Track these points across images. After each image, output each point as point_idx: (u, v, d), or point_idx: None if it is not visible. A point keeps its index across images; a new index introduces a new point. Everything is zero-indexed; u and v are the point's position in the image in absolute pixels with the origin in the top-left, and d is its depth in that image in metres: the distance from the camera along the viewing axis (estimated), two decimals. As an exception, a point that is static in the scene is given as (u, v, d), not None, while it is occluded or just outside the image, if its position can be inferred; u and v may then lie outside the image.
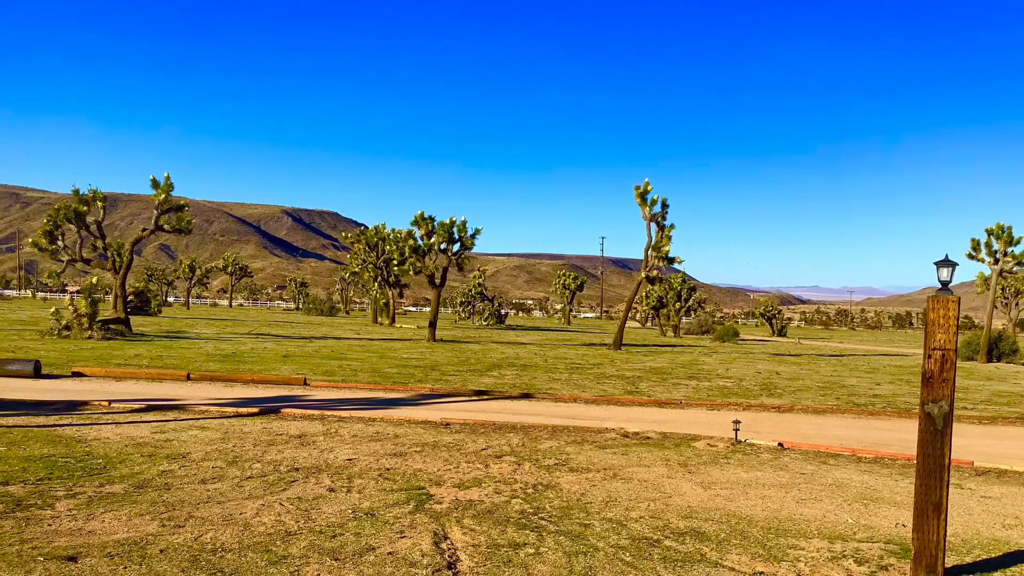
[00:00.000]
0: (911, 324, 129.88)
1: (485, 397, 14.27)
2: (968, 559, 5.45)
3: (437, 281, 32.87)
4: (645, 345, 37.18)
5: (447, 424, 10.78)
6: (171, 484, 6.75)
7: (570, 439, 9.89)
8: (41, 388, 13.12)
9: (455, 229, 32.68)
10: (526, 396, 14.59)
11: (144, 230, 33.37)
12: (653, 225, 31.66)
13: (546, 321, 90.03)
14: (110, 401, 11.55)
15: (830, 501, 7.02)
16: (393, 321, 52.01)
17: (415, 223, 33.01)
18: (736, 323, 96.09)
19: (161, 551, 4.96)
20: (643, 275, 32.78)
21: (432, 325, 32.58)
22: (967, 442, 10.66)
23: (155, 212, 32.76)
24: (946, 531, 4.90)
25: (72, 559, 4.74)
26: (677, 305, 56.69)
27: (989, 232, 33.03)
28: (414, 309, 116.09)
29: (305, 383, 15.14)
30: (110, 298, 37.27)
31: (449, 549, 5.21)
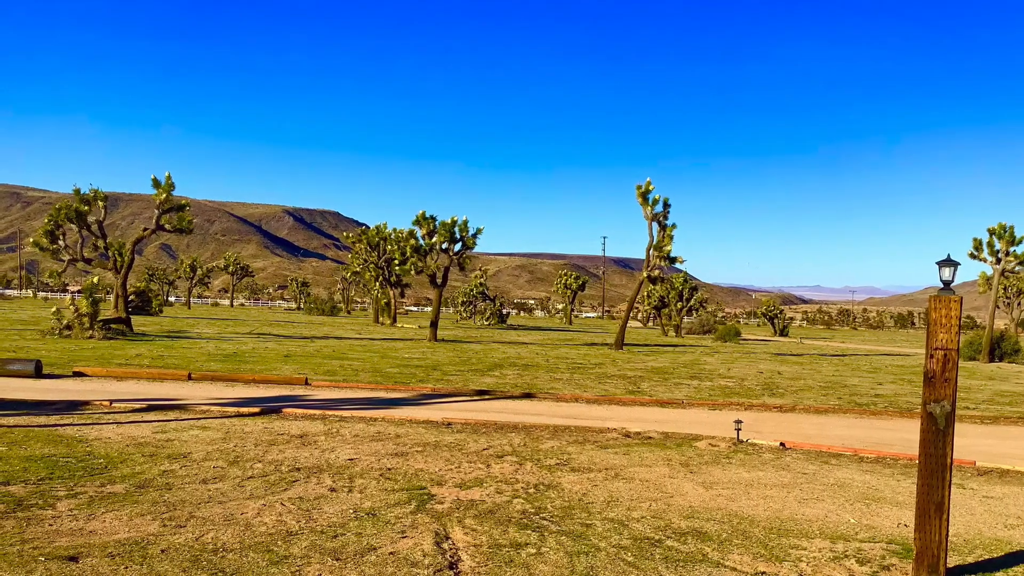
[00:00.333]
0: (913, 324, 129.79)
1: (487, 397, 14.27)
2: (970, 559, 5.43)
3: (439, 281, 32.87)
4: (647, 345, 37.17)
5: (449, 424, 10.77)
6: (172, 484, 6.75)
7: (572, 439, 9.88)
8: (42, 388, 13.13)
9: (457, 229, 32.66)
10: (528, 396, 14.58)
11: (145, 230, 33.39)
12: (655, 225, 31.64)
13: (548, 321, 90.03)
14: (111, 401, 11.55)
15: (832, 501, 7.01)
16: (394, 321, 52.00)
17: (416, 223, 33.00)
18: (738, 323, 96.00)
19: (162, 551, 4.96)
20: (645, 275, 32.77)
21: (434, 325, 32.57)
22: (969, 442, 10.64)
23: (156, 212, 32.78)
24: (948, 531, 4.89)
25: (73, 559, 4.74)
26: (679, 305, 56.66)
27: (991, 232, 32.99)
28: (415, 309, 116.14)
29: (306, 383, 15.15)
30: (111, 298, 37.30)
31: (451, 549, 5.20)
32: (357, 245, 53.42)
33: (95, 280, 28.88)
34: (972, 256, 33.69)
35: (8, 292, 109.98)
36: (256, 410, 11.30)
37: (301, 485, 6.89)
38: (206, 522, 5.63)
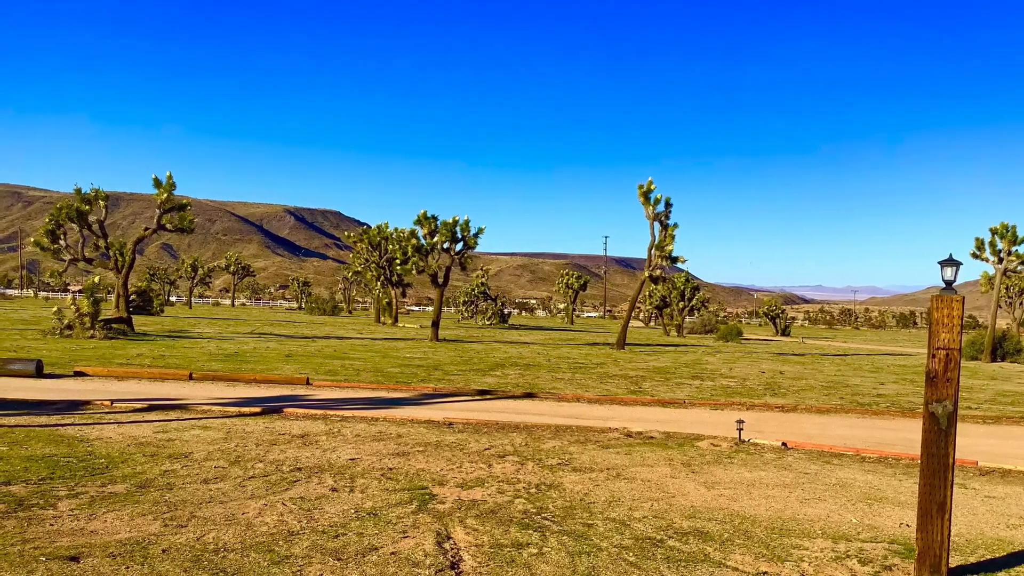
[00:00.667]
0: (915, 324, 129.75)
1: (488, 397, 14.26)
2: (972, 559, 5.42)
3: (440, 280, 32.87)
4: (648, 344, 37.16)
5: (450, 424, 10.77)
6: (173, 484, 6.75)
7: (573, 439, 9.87)
8: (43, 388, 13.14)
9: (458, 228, 32.65)
10: (529, 396, 14.57)
11: (146, 229, 33.40)
12: (657, 224, 31.64)
13: (549, 320, 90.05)
14: (112, 401, 11.55)
15: (834, 501, 7.00)
16: (396, 320, 52.02)
17: (418, 222, 33.00)
18: (740, 322, 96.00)
19: (163, 551, 4.95)
20: (647, 274, 32.76)
21: (435, 324, 32.57)
22: (971, 442, 10.62)
23: (157, 211, 32.80)
24: (950, 531, 4.88)
25: (74, 559, 4.74)
26: (680, 304, 56.65)
27: (993, 231, 32.97)
28: (417, 309, 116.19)
29: (308, 383, 15.15)
30: (112, 297, 37.36)
31: (452, 549, 5.20)
32: (358, 245, 53.43)
33: (96, 280, 28.88)
34: (974, 256, 33.68)
35: (9, 292, 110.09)
36: (257, 410, 11.30)
37: (302, 485, 6.88)
38: (207, 522, 5.63)
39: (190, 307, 79.97)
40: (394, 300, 53.25)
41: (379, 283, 51.44)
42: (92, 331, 25.54)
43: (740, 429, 10.02)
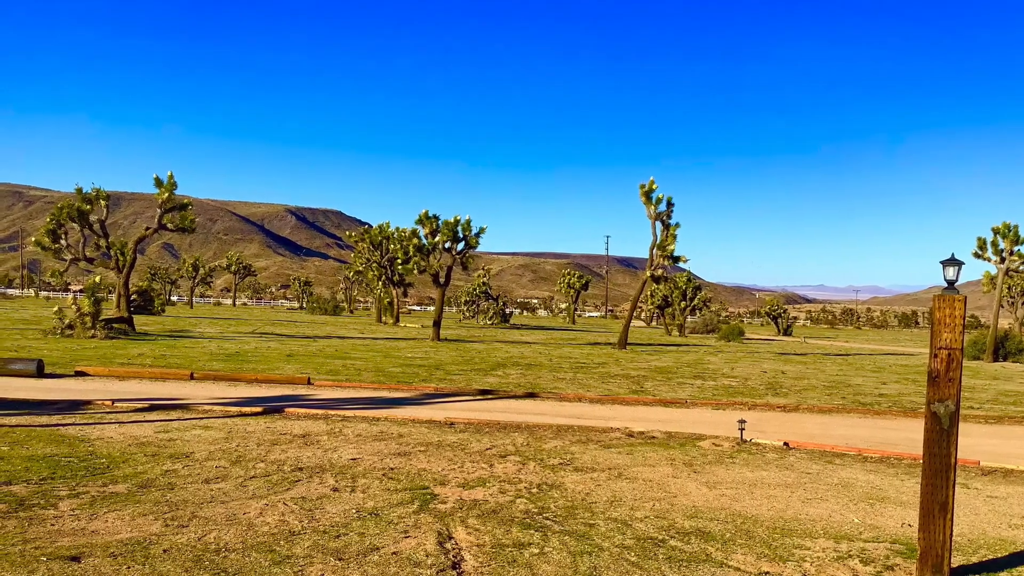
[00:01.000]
0: (917, 323, 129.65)
1: (490, 396, 14.26)
2: (974, 559, 5.41)
3: (442, 280, 32.86)
4: (650, 344, 37.14)
5: (451, 424, 10.76)
6: (174, 484, 6.74)
7: (575, 439, 9.87)
8: (44, 387, 13.15)
9: (459, 228, 32.64)
10: (531, 395, 14.57)
11: (147, 229, 33.42)
12: (658, 224, 31.62)
13: (551, 320, 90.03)
14: (113, 400, 11.56)
15: (836, 501, 6.99)
16: (397, 320, 52.03)
17: (419, 222, 32.99)
18: (741, 322, 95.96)
19: (164, 551, 4.95)
20: (648, 274, 32.74)
21: (436, 324, 32.57)
22: (973, 441, 10.60)
23: (158, 211, 32.81)
24: (952, 531, 4.87)
25: (75, 559, 4.73)
26: (682, 304, 56.62)
27: (995, 231, 32.91)
28: (418, 308, 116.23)
29: (309, 382, 15.15)
30: (113, 297, 37.38)
31: (453, 549, 5.19)
32: (360, 244, 53.47)
33: (97, 279, 28.90)
34: (976, 255, 33.62)
35: (10, 291, 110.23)
36: (258, 410, 11.30)
37: (304, 485, 6.88)
38: (208, 522, 5.62)
39: (191, 307, 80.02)
40: (395, 300, 53.26)
41: (380, 283, 51.45)
42: (93, 331, 25.56)
43: (742, 429, 10.01)
